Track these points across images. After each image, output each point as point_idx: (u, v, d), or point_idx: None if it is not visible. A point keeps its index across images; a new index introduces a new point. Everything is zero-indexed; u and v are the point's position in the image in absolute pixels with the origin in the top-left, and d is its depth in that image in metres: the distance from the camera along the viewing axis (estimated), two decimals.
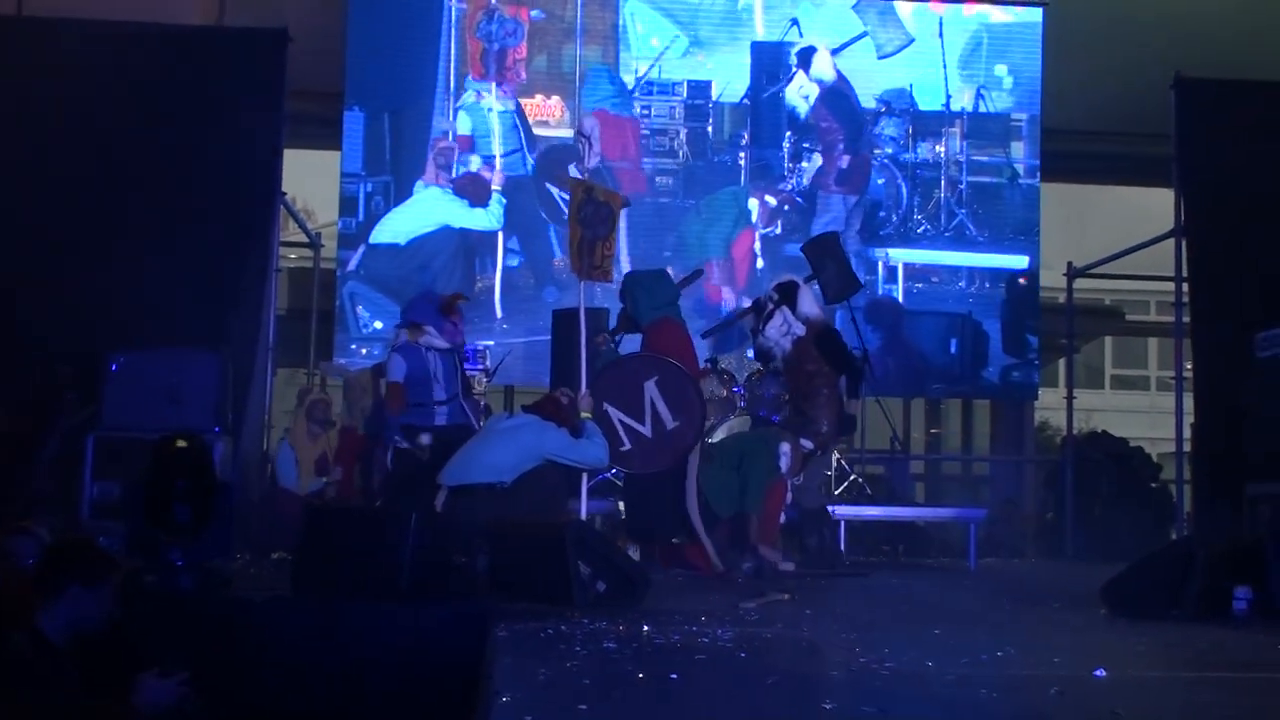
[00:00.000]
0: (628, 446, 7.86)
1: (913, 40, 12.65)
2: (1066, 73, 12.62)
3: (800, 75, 12.55)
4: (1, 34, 10.66)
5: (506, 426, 7.67)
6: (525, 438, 7.53)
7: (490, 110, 12.35)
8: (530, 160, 12.26)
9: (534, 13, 12.49)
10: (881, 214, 12.58)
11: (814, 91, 12.55)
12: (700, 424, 7.81)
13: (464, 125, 12.35)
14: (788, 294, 9.02)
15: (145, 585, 6.36)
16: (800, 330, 8.88)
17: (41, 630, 4.42)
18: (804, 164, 12.55)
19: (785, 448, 8.53)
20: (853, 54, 12.66)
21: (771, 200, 12.46)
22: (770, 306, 8.97)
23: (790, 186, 12.52)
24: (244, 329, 10.03)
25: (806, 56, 12.58)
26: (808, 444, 8.76)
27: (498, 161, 12.30)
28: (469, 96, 12.38)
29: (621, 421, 7.88)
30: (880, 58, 12.63)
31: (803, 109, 12.56)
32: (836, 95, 12.59)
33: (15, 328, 9.63)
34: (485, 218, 12.24)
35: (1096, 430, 13.91)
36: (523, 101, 12.40)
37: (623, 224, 12.04)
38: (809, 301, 9.03)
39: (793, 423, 9.00)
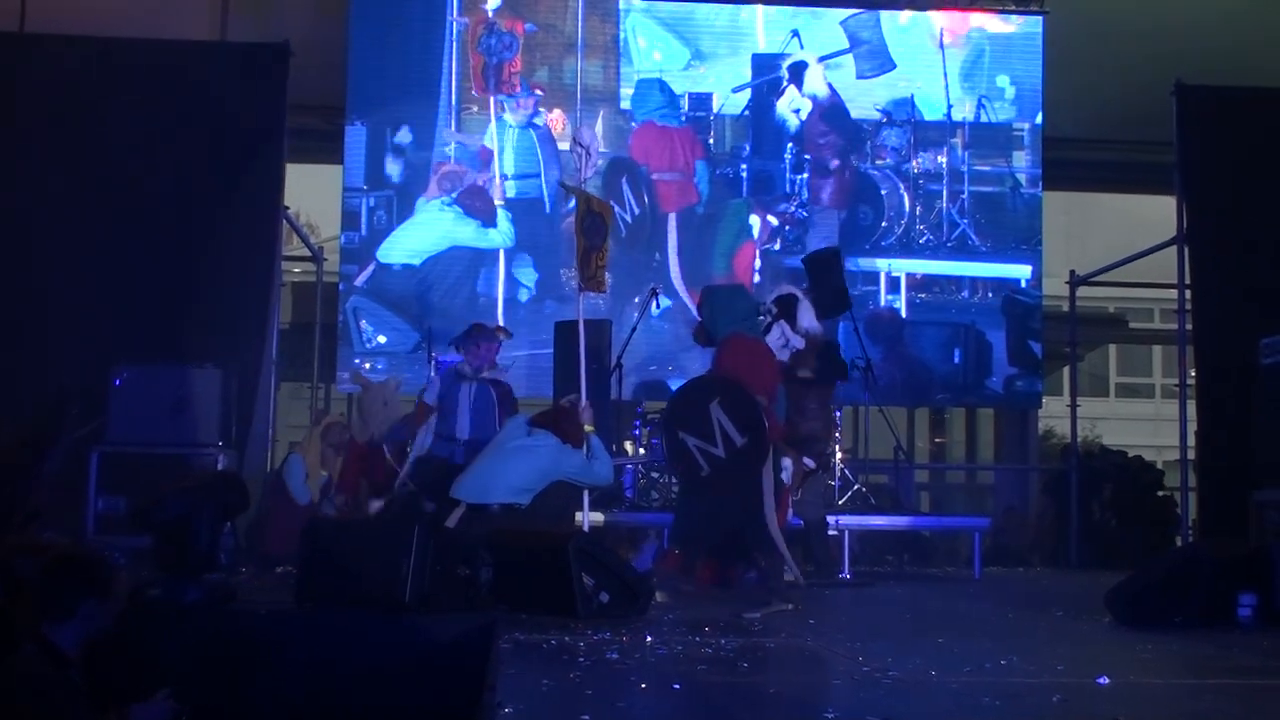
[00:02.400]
0: (707, 471, 7.75)
1: (895, 66, 12.66)
2: (1067, 81, 12.61)
3: (791, 89, 12.56)
4: (3, 50, 10.68)
5: (524, 445, 7.67)
6: (544, 460, 7.56)
7: (508, 128, 12.37)
8: (546, 187, 12.26)
9: (528, 25, 12.51)
10: (884, 224, 12.57)
11: (806, 106, 12.55)
12: (764, 438, 7.72)
13: (478, 141, 12.37)
14: (787, 308, 8.96)
15: (149, 598, 6.35)
16: (799, 344, 8.82)
17: (52, 642, 4.43)
18: (803, 175, 12.56)
19: (786, 462, 8.51)
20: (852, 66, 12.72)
21: (774, 220, 12.45)
22: (768, 319, 8.89)
23: (793, 207, 12.51)
24: (248, 343, 10.03)
25: (798, 71, 12.60)
26: (809, 462, 8.75)
27: (497, 180, 12.29)
28: (477, 112, 12.40)
29: (698, 448, 7.80)
30: (858, 78, 12.63)
31: (793, 123, 12.56)
32: (831, 109, 12.59)
33: (19, 342, 9.65)
34: (497, 237, 12.24)
35: (1094, 448, 13.96)
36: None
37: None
38: (809, 315, 8.93)
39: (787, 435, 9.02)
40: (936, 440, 18.58)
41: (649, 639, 5.47)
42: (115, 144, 10.11)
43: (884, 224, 12.55)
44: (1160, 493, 12.52)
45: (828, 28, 12.72)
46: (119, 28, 10.68)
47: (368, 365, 11.85)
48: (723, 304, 8.46)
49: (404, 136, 12.27)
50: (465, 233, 12.22)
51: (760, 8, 12.65)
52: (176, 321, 9.73)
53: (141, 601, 6.20)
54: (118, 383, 9.11)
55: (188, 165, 10.11)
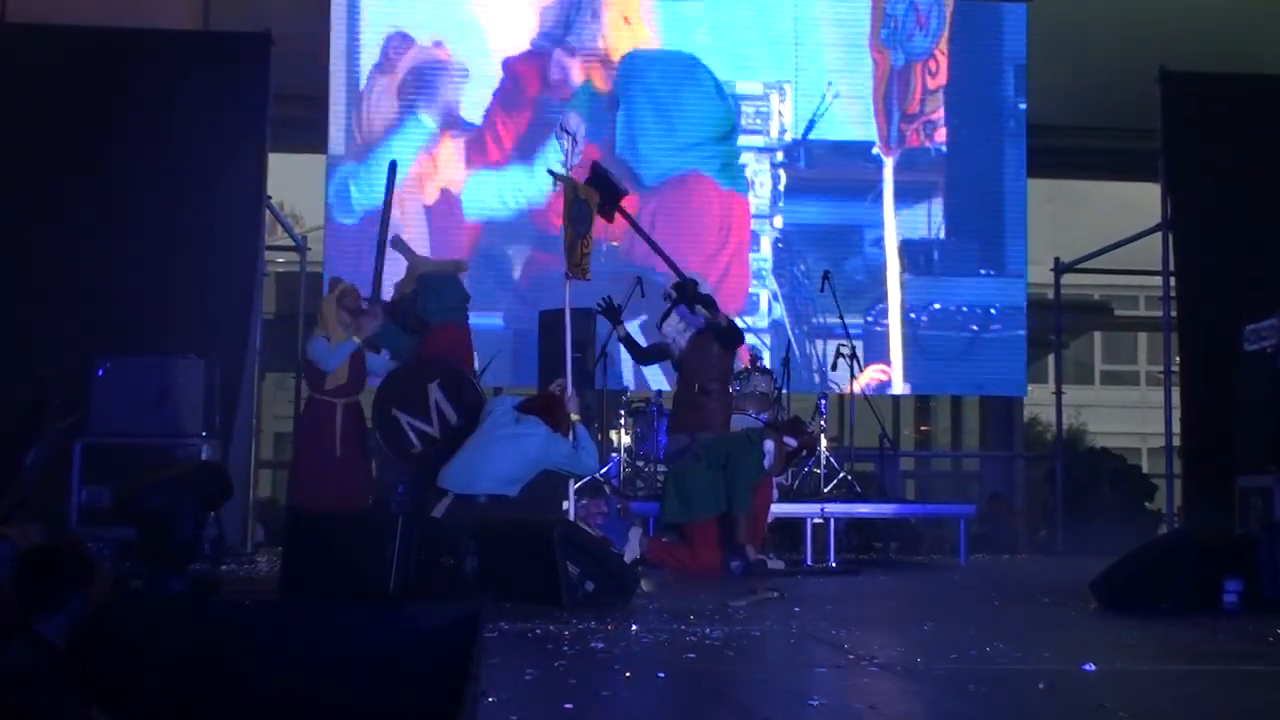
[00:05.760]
0: (418, 449, 8.17)
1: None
2: (1052, 68, 12.62)
3: None
4: None
5: (512, 434, 7.64)
6: (533, 449, 7.53)
7: None
8: None
9: None
10: None
11: None
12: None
13: None
14: (686, 294, 9.27)
15: (133, 589, 6.34)
16: (700, 323, 9.08)
17: (42, 635, 4.42)
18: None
19: (769, 446, 8.56)
20: None
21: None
22: (668, 304, 9.22)
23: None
24: (231, 334, 10.00)
25: None
26: (791, 441, 8.79)
27: None
28: None
29: (410, 425, 8.20)
30: None
31: None
32: None
33: (1, 333, 9.60)
34: None
35: (1095, 446, 14.01)
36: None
37: None
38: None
39: (682, 418, 9.20)
40: (922, 428, 18.61)
41: (634, 627, 5.46)
42: (97, 134, 10.08)
43: None
44: (1148, 504, 12.65)
45: None
46: (101, 17, 10.61)
47: None
48: (435, 292, 8.73)
49: None
50: None
51: None
52: (159, 312, 9.70)
53: (125, 593, 6.18)
54: (100, 373, 9.07)
55: (170, 155, 10.07)
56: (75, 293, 9.72)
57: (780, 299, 10.77)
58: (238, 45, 10.61)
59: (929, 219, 12.47)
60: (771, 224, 11.62)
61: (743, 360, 10.17)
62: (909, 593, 7.92)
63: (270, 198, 11.09)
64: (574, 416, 7.91)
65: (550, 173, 8.78)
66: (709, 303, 9.37)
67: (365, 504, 8.57)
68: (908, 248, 12.40)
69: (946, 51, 12.62)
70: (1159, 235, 11.39)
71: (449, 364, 8.47)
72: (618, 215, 9.31)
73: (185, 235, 9.99)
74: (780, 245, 11.71)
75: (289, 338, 12.82)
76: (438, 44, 12.23)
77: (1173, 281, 11.23)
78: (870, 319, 12.26)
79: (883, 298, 12.31)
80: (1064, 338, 14.37)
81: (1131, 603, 6.44)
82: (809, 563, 9.20)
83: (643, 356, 9.62)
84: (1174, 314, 11.26)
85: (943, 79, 12.59)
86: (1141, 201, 12.83)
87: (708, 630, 5.42)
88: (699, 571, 8.34)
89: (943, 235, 12.46)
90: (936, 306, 12.46)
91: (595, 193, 8.61)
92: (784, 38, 12.46)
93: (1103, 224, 14.66)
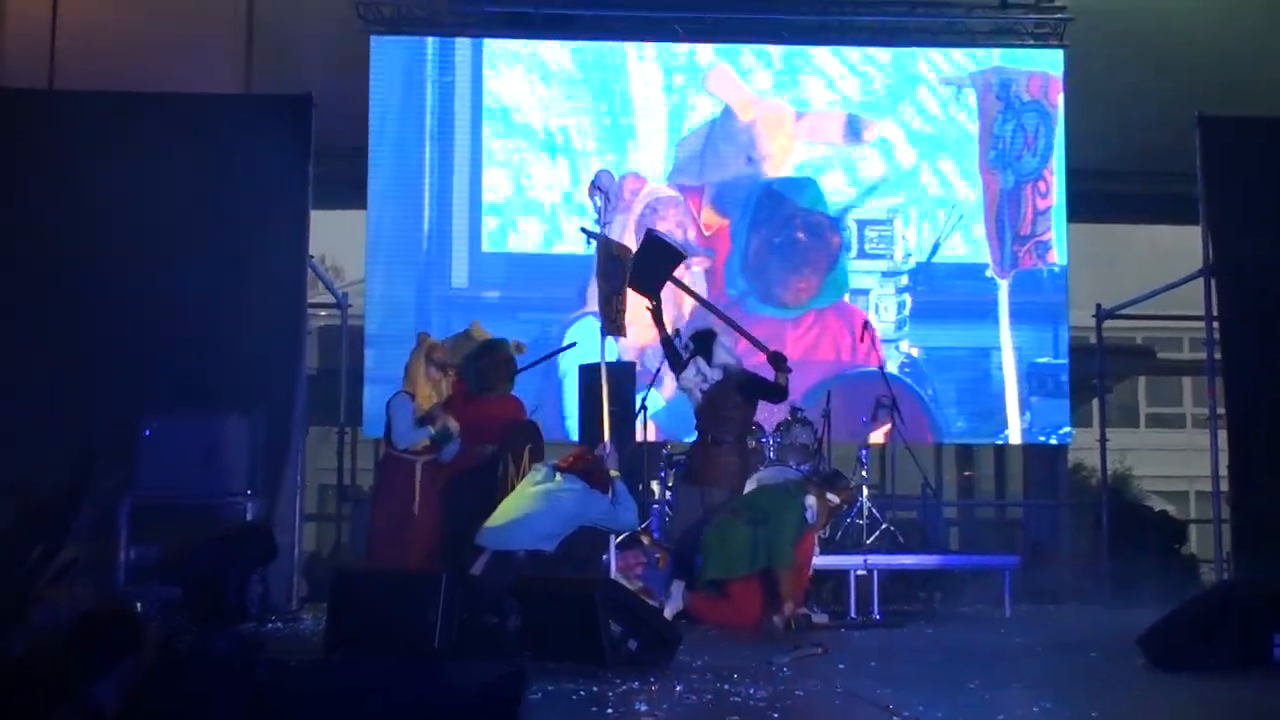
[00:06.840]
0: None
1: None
2: (1090, 113, 12.62)
3: None
4: (33, 107, 10.82)
5: (549, 490, 7.66)
6: (570, 506, 7.56)
7: None
8: None
9: None
10: None
11: None
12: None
13: None
14: (704, 344, 9.25)
15: (180, 649, 6.37)
16: (716, 376, 9.07)
17: (93, 700, 4.45)
18: None
19: (810, 500, 8.53)
20: None
21: None
22: (685, 356, 9.21)
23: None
24: (277, 391, 10.07)
25: None
26: (834, 498, 8.76)
27: None
28: None
29: (506, 474, 8.44)
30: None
31: None
32: None
33: (50, 394, 9.72)
34: None
35: (1129, 497, 13.93)
36: None
37: None
38: (724, 352, 9.22)
39: (693, 470, 9.22)
40: (965, 474, 18.49)
41: (678, 688, 5.45)
42: (142, 196, 10.18)
43: None
44: (1179, 547, 12.55)
45: None
46: (146, 83, 10.78)
47: None
48: (489, 361, 8.88)
49: None
50: None
51: None
52: (205, 370, 9.78)
53: (172, 653, 6.21)
54: (147, 433, 9.17)
55: (214, 216, 10.19)
56: (121, 352, 9.82)
57: (906, 421, 10.83)
58: (280, 108, 10.74)
59: (1055, 341, 12.67)
60: (898, 348, 11.62)
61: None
62: (954, 646, 7.85)
63: (311, 256, 11.19)
64: (613, 473, 7.93)
65: (584, 230, 8.84)
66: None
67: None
68: (1031, 370, 12.56)
69: (1055, 172, 12.76)
70: (1200, 279, 11.32)
71: (540, 434, 8.80)
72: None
73: (230, 294, 10.09)
74: (907, 370, 11.67)
75: (330, 392, 12.93)
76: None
77: (1216, 325, 11.15)
78: (1000, 444, 12.38)
79: (1006, 422, 12.47)
80: (1107, 382, 14.27)
81: (1180, 658, 6.34)
82: (854, 615, 9.16)
83: (679, 365, 9.60)
84: (1219, 357, 11.18)
85: (1052, 199, 12.72)
86: (1183, 245, 12.77)
87: (751, 690, 5.41)
88: (741, 626, 8.31)
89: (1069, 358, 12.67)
90: (1065, 429, 12.67)
91: (628, 250, 8.66)
92: (900, 163, 12.69)
93: (1144, 268, 14.62)
